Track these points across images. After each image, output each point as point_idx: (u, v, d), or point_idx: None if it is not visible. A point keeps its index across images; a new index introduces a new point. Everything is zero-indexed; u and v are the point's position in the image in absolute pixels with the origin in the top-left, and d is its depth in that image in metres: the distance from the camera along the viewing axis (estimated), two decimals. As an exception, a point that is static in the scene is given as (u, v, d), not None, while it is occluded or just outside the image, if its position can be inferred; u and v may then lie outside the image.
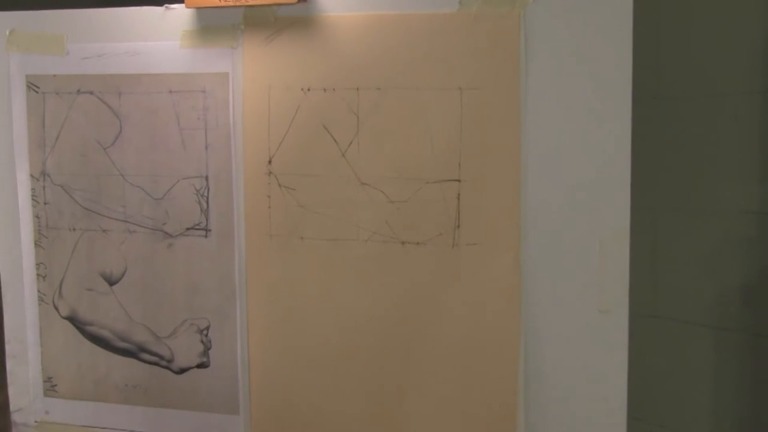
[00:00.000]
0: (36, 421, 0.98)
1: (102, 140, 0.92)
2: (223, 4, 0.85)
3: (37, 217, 0.95)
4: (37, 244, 0.95)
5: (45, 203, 0.95)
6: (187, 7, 0.87)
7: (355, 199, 0.84)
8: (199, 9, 0.87)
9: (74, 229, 0.94)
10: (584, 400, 0.81)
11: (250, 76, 0.86)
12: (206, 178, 0.90)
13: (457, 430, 0.84)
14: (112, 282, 0.94)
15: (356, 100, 0.83)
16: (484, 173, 0.81)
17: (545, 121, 0.79)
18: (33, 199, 0.95)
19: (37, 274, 0.96)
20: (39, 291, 0.96)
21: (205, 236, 0.90)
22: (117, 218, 0.93)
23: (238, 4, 0.84)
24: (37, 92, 0.94)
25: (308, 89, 0.85)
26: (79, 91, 0.92)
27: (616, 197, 0.79)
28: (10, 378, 0.99)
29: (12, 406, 0.99)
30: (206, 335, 0.91)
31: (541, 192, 0.80)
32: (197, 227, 0.91)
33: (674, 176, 1.11)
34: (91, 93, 0.92)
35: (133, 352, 0.94)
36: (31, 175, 0.95)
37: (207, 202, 0.90)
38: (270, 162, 0.87)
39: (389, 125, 0.83)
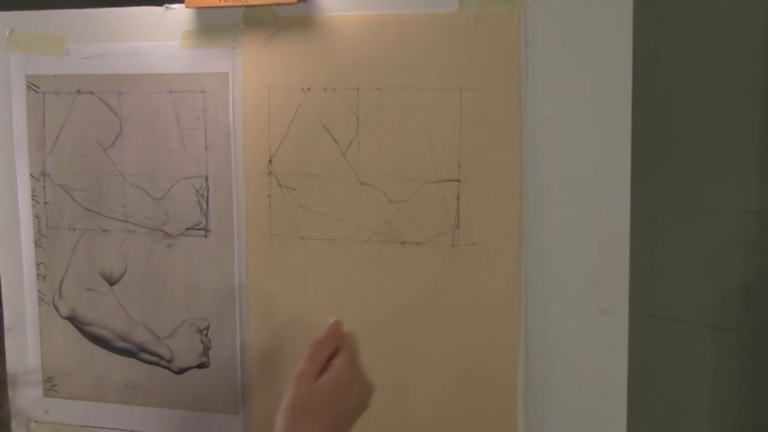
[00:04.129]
0: (36, 421, 0.98)
1: (102, 140, 0.92)
2: (223, 4, 0.85)
3: (37, 217, 0.95)
4: (37, 244, 0.95)
5: (45, 203, 0.95)
6: (187, 7, 0.87)
7: (355, 199, 0.84)
8: (199, 9, 0.87)
9: (74, 229, 0.94)
10: (584, 400, 0.81)
11: (250, 76, 0.87)
12: (206, 178, 0.90)
13: (456, 429, 0.84)
14: (112, 282, 0.94)
15: (356, 100, 0.83)
16: (484, 173, 0.81)
17: (545, 121, 0.79)
18: (33, 199, 0.95)
19: (37, 274, 0.96)
20: (39, 291, 0.96)
21: (205, 236, 0.90)
22: (117, 218, 0.93)
23: (238, 4, 0.84)
24: (37, 92, 0.94)
25: (308, 89, 0.85)
26: (79, 91, 0.92)
27: (616, 197, 0.79)
28: (9, 378, 0.99)
29: (12, 406, 0.99)
30: (206, 335, 0.91)
31: (541, 192, 0.80)
32: (197, 227, 0.91)
33: (674, 176, 1.11)
34: (91, 93, 0.92)
35: (133, 352, 0.94)
36: (31, 175, 0.95)
37: (207, 202, 0.90)
38: (270, 162, 0.87)
39: (389, 125, 0.83)
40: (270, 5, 0.85)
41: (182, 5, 0.87)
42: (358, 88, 0.83)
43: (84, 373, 0.96)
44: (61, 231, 0.95)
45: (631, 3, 0.76)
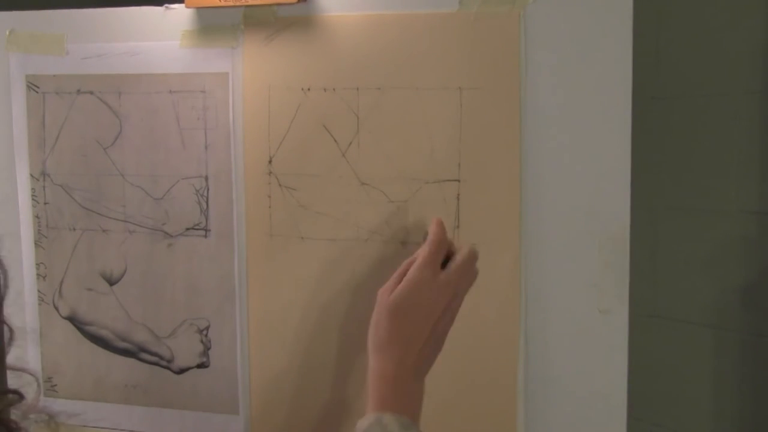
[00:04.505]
0: (36, 422, 0.98)
1: (102, 140, 0.92)
2: (223, 4, 0.85)
3: (37, 217, 0.95)
4: (37, 244, 0.95)
5: (45, 203, 0.95)
6: (187, 7, 0.87)
7: (355, 199, 0.84)
8: (199, 9, 0.87)
9: (74, 229, 0.94)
10: (584, 400, 0.81)
11: (250, 76, 0.87)
12: (206, 178, 0.90)
13: (456, 429, 0.84)
14: (112, 282, 0.94)
15: (356, 100, 0.83)
16: (484, 173, 0.81)
17: (545, 121, 0.79)
18: (33, 199, 0.95)
19: (37, 274, 0.96)
20: (39, 291, 0.96)
21: (205, 236, 0.90)
22: (117, 218, 0.93)
23: (238, 4, 0.84)
24: (37, 92, 0.94)
25: (308, 89, 0.85)
26: (79, 91, 0.92)
27: (616, 197, 0.79)
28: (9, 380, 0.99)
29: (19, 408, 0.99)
30: (206, 335, 0.91)
31: (541, 192, 0.80)
32: (197, 227, 0.91)
33: (674, 176, 1.11)
34: (91, 93, 0.92)
35: (133, 352, 0.94)
36: (31, 175, 0.95)
37: (207, 202, 0.90)
38: (270, 162, 0.87)
39: (389, 125, 0.83)
40: (270, 5, 0.85)
41: (182, 5, 0.87)
42: (358, 88, 0.83)
43: (84, 373, 0.96)
44: (61, 231, 0.95)
45: (631, 3, 0.76)
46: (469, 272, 0.74)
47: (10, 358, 0.63)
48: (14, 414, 0.60)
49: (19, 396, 0.60)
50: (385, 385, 0.68)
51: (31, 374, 0.63)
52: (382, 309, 0.71)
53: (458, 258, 0.73)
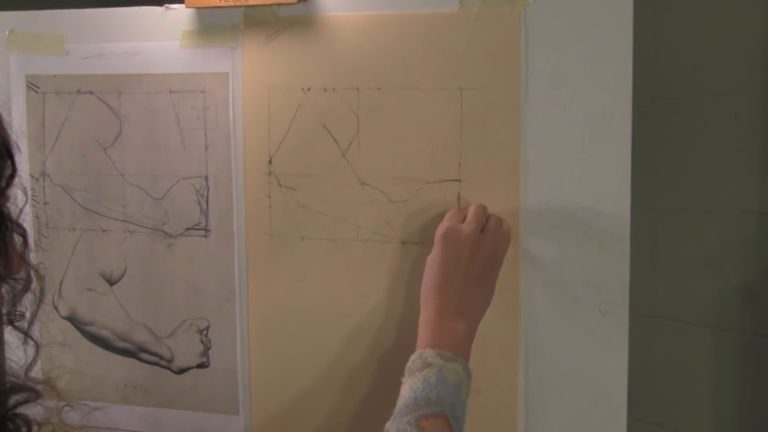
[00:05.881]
0: (37, 423, 0.98)
1: (102, 140, 0.92)
2: (223, 4, 0.85)
3: (37, 217, 0.95)
4: (37, 244, 0.95)
5: (45, 203, 0.95)
6: (187, 7, 0.87)
7: (355, 199, 0.84)
8: (199, 9, 0.87)
9: (74, 229, 0.94)
10: (584, 400, 0.81)
11: (250, 76, 0.87)
12: (206, 178, 0.90)
13: (457, 430, 0.84)
14: (112, 282, 0.94)
15: (356, 100, 0.83)
16: (484, 173, 0.81)
17: (545, 121, 0.79)
18: (33, 199, 0.95)
19: (37, 274, 0.96)
20: (39, 291, 0.96)
21: (205, 236, 0.90)
22: (117, 218, 0.93)
23: (238, 4, 0.84)
24: (37, 92, 0.94)
25: (308, 89, 0.85)
26: (79, 91, 0.92)
27: (616, 197, 0.79)
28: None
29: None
30: (206, 335, 0.91)
31: (541, 192, 0.80)
32: (197, 227, 0.91)
33: (674, 176, 1.11)
34: (91, 93, 0.92)
35: (132, 352, 0.94)
36: (31, 175, 0.95)
37: (207, 202, 0.90)
38: (270, 162, 0.87)
39: (389, 125, 0.83)
40: (270, 5, 0.84)
41: (182, 5, 0.87)
42: (358, 88, 0.83)
43: (84, 373, 0.96)
44: (61, 231, 0.95)
45: (631, 3, 0.76)
46: (501, 229, 0.79)
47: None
48: (36, 413, 0.60)
49: (35, 394, 0.60)
50: (427, 327, 0.73)
51: (51, 386, 0.64)
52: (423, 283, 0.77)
53: (491, 220, 0.79)
